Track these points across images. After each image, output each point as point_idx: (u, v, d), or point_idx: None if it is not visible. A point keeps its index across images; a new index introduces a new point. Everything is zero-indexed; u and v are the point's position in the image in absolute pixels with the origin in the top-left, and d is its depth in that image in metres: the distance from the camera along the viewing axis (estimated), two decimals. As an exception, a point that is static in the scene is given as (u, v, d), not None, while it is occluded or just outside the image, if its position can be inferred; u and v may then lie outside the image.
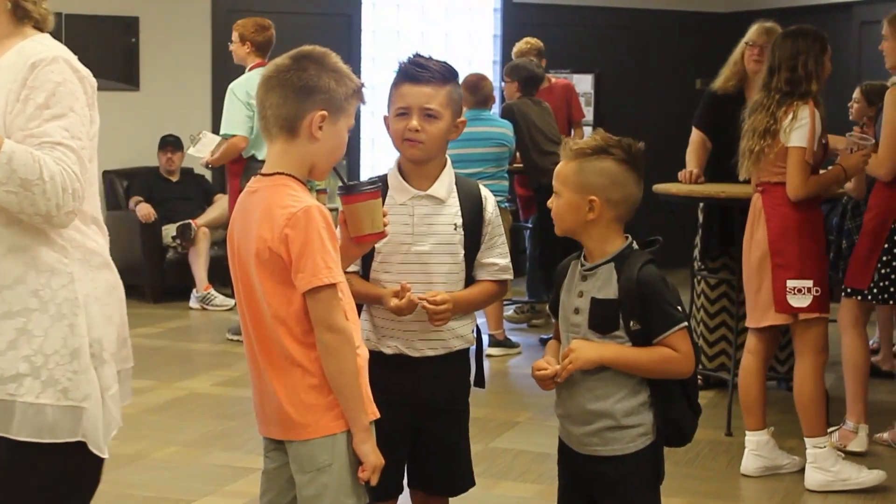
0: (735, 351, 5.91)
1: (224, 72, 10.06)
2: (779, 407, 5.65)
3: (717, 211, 6.10)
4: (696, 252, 6.33)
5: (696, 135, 6.24)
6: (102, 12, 9.50)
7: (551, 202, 2.96)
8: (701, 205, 6.27)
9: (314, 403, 2.69)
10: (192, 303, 8.87)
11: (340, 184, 2.87)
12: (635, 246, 2.93)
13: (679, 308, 2.87)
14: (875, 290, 5.19)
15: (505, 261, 3.24)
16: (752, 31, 6.17)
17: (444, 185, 3.16)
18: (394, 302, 3.02)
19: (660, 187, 5.94)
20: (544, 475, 4.91)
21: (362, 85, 2.80)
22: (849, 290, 5.31)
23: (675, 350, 2.86)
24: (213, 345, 7.52)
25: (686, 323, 2.88)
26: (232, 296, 8.84)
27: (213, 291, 8.83)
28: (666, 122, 10.38)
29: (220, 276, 9.11)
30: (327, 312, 2.65)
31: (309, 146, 2.71)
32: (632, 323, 2.85)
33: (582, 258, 2.98)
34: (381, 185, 2.93)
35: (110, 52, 9.59)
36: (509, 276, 3.24)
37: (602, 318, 2.89)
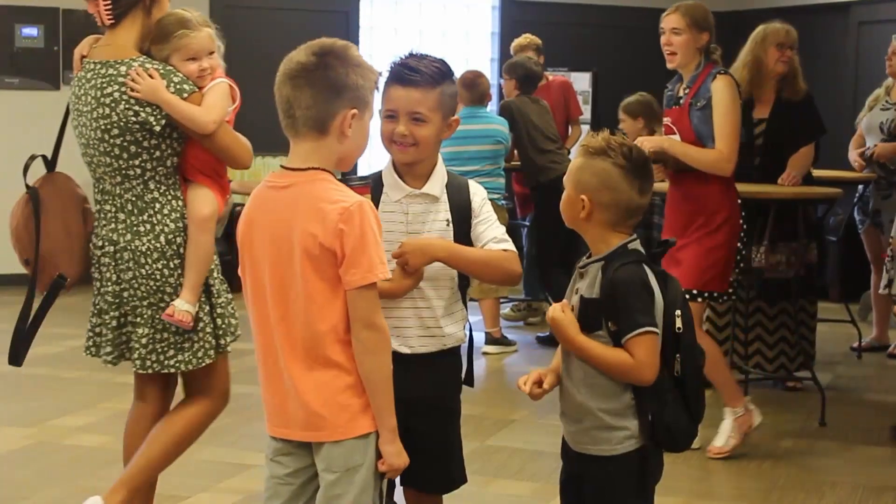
0: (737, 346, 5.92)
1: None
2: (773, 407, 5.65)
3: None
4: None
5: None
6: (100, 7, 9.47)
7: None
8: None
9: (349, 403, 2.68)
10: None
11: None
12: (633, 246, 2.92)
13: (645, 314, 2.81)
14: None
15: (500, 232, 3.17)
16: (782, 32, 6.01)
17: (437, 182, 3.15)
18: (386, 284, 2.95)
19: (659, 186, 5.92)
20: (539, 473, 4.91)
21: (380, 74, 2.81)
22: (695, 293, 5.00)
23: (631, 355, 2.83)
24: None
25: (649, 329, 2.81)
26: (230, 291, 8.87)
27: (209, 287, 8.80)
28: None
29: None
30: (371, 310, 2.64)
31: (338, 143, 2.70)
32: (610, 323, 2.85)
33: (585, 256, 2.98)
34: (370, 181, 2.94)
35: (108, 47, 9.58)
36: (511, 246, 3.17)
37: (586, 317, 2.88)
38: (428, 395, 3.14)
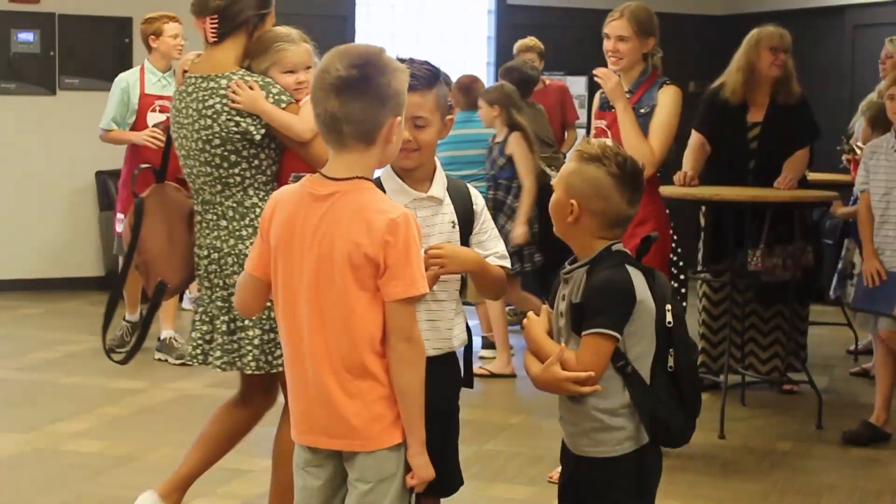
0: (733, 350, 5.92)
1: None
2: (770, 410, 5.66)
3: (724, 215, 6.07)
4: (700, 256, 6.33)
5: (695, 138, 6.20)
6: (96, 12, 9.47)
7: None
8: (703, 209, 6.27)
9: (383, 414, 2.69)
10: (186, 304, 8.84)
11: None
12: (617, 247, 2.91)
13: (608, 316, 2.80)
14: None
15: (503, 248, 3.27)
16: (776, 36, 5.99)
17: (440, 185, 3.17)
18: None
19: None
20: (537, 477, 4.91)
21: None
22: None
23: (580, 351, 2.83)
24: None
25: (603, 332, 2.80)
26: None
27: (206, 293, 8.81)
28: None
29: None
30: (410, 322, 2.66)
31: (381, 152, 2.71)
32: None
33: (568, 262, 2.98)
34: None
35: (104, 52, 9.57)
36: (508, 263, 3.25)
37: (574, 322, 2.89)
38: (431, 398, 3.14)
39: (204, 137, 3.79)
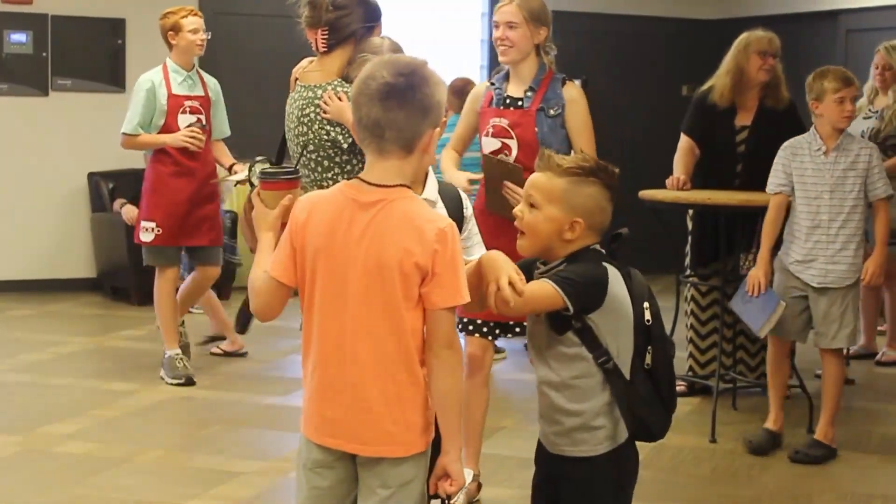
0: (723, 358, 5.93)
1: (210, 73, 10.05)
2: (762, 415, 5.66)
3: (708, 219, 6.08)
4: (687, 260, 6.34)
5: (684, 141, 6.20)
6: (89, 13, 9.46)
7: (520, 210, 2.92)
8: (690, 212, 6.27)
9: (417, 422, 2.71)
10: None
11: (262, 169, 2.95)
12: (595, 247, 2.92)
13: (569, 283, 2.79)
14: None
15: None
16: (765, 41, 5.96)
17: (433, 187, 3.20)
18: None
19: (646, 193, 5.94)
20: (528, 481, 4.85)
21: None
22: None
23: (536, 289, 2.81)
24: (198, 348, 7.50)
25: (560, 292, 2.78)
26: (218, 297, 8.85)
27: (198, 294, 8.79)
28: (652, 129, 10.40)
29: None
30: (452, 330, 2.69)
31: (419, 161, 2.74)
32: (573, 321, 2.85)
33: (539, 263, 2.96)
34: (299, 173, 3.01)
35: (96, 54, 9.57)
36: None
37: (555, 321, 2.88)
38: None
39: (301, 143, 4.11)
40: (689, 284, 6.28)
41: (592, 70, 10.41)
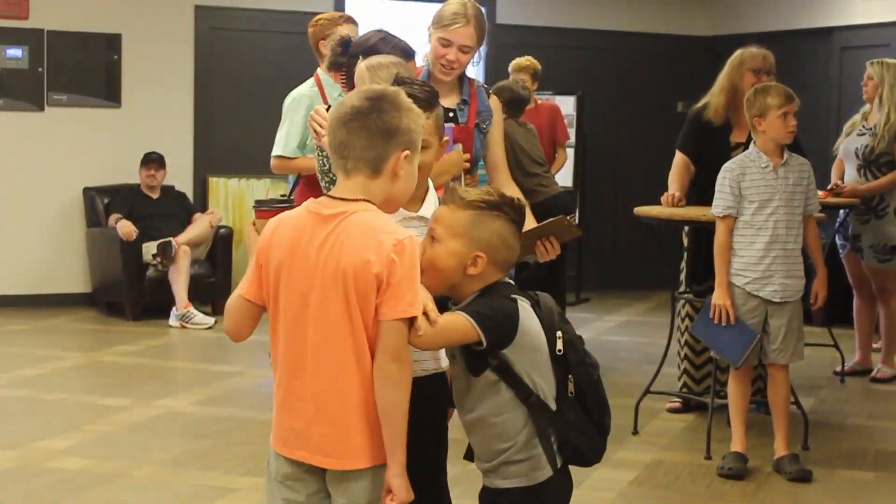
0: (718, 374, 5.92)
1: (206, 89, 10.08)
2: (757, 431, 5.66)
3: (703, 235, 6.07)
4: (682, 276, 6.33)
5: (679, 158, 6.20)
6: (85, 29, 9.48)
7: (422, 245, 2.85)
8: (686, 229, 6.27)
9: (377, 433, 2.72)
10: (172, 321, 8.84)
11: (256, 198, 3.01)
12: (504, 281, 2.90)
13: (482, 314, 2.77)
14: None
15: None
16: (759, 58, 5.97)
17: (431, 205, 3.17)
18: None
19: (641, 210, 5.95)
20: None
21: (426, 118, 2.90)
22: None
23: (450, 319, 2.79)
24: (193, 363, 7.50)
25: (467, 319, 2.76)
26: (212, 314, 8.84)
27: (192, 309, 8.79)
28: (647, 145, 10.43)
29: (200, 294, 9.10)
30: (402, 343, 2.68)
31: (389, 184, 2.76)
32: (490, 358, 2.83)
33: (451, 303, 2.93)
34: (292, 202, 3.03)
35: (92, 69, 9.58)
36: None
37: (472, 361, 2.86)
38: (420, 418, 3.13)
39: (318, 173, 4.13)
40: (684, 301, 6.27)
41: (587, 86, 10.44)
